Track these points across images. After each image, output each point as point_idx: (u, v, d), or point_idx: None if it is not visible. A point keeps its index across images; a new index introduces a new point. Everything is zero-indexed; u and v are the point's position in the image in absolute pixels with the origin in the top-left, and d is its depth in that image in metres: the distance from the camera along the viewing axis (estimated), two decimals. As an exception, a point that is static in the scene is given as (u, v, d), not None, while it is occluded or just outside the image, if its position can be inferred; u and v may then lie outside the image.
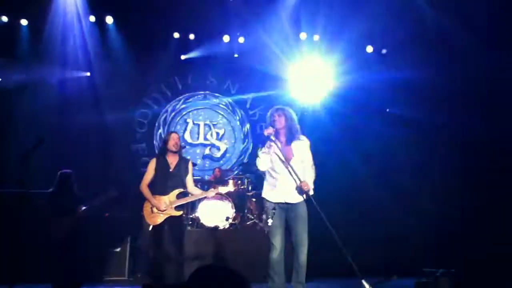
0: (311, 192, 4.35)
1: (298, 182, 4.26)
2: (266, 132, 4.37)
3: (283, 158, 4.33)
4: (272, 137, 4.36)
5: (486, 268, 4.97)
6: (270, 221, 4.28)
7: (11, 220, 5.96)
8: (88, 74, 8.59)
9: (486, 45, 7.45)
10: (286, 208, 4.35)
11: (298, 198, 4.36)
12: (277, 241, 4.25)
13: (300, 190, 4.29)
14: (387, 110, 9.33)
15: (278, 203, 4.36)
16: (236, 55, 9.19)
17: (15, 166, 5.09)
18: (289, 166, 4.30)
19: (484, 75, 7.78)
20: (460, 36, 7.64)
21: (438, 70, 8.11)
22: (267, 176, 4.48)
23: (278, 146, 4.35)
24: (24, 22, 8.15)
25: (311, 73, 8.78)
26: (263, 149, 4.38)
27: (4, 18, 8.02)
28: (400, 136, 8.49)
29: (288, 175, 4.34)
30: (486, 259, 5.60)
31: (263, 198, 4.47)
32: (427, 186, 8.34)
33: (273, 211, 4.30)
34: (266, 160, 4.36)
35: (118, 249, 6.93)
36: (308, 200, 4.33)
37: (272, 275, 4.23)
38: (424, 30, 8.13)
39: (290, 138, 4.44)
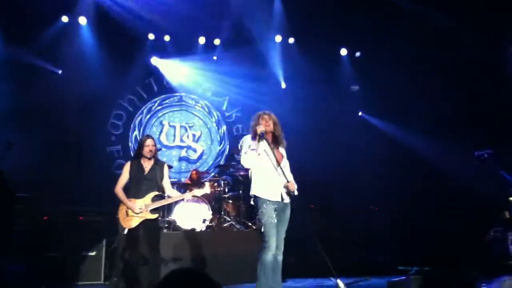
0: (296, 193, 4.37)
1: (286, 181, 4.26)
2: (259, 130, 4.29)
3: (273, 159, 4.30)
4: (265, 136, 4.31)
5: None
6: (271, 220, 4.18)
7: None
8: (60, 72, 8.46)
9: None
10: (280, 207, 4.32)
11: (288, 199, 4.37)
12: (273, 241, 4.18)
13: (287, 190, 4.30)
14: (360, 113, 9.50)
15: (276, 201, 4.29)
16: (214, 57, 9.18)
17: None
18: (279, 168, 4.29)
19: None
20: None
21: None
22: (260, 174, 4.34)
23: (270, 146, 4.31)
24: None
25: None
26: (252, 145, 4.29)
27: None
28: (374, 141, 8.65)
29: (279, 175, 4.31)
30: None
31: (257, 198, 4.29)
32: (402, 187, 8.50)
33: (275, 211, 4.25)
34: (253, 157, 4.26)
35: (94, 253, 6.84)
36: (292, 200, 4.35)
37: (262, 275, 4.15)
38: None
39: (277, 142, 4.48)
